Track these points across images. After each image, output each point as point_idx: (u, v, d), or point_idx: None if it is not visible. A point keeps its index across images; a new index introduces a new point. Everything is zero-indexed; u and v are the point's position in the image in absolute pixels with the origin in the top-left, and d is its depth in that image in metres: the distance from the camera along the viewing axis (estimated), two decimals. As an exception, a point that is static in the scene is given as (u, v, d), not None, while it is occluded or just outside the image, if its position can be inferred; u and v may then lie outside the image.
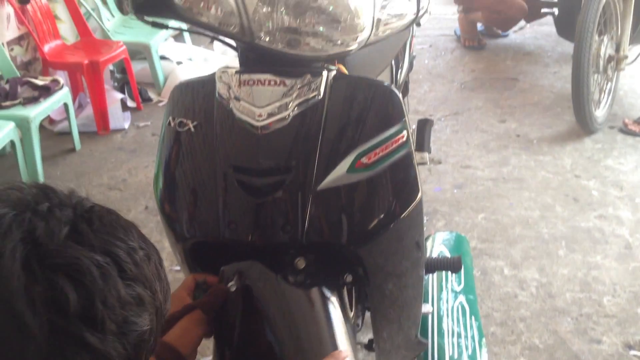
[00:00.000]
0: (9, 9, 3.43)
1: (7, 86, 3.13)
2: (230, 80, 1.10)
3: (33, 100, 3.09)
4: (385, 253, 1.20)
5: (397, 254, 1.23)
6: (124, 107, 3.77)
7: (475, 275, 2.31)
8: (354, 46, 1.12)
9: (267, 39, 1.06)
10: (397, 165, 1.15)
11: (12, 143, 2.92)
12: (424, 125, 2.30)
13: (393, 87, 1.17)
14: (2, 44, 3.41)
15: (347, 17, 1.08)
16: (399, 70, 1.90)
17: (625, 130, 3.23)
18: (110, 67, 3.93)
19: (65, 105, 3.28)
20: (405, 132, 1.16)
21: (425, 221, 2.58)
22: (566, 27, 3.62)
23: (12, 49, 3.51)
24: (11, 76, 3.23)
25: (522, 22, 4.55)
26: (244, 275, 1.11)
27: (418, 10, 1.24)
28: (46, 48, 3.55)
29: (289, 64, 1.11)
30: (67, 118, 3.35)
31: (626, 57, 3.27)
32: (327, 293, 1.13)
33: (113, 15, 4.12)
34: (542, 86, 3.85)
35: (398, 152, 1.15)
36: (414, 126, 2.33)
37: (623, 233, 2.50)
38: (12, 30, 3.50)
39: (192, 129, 1.13)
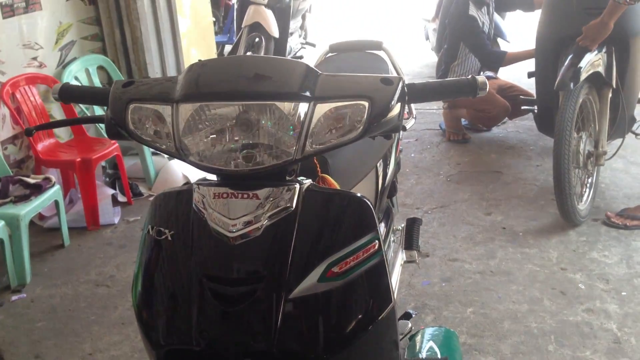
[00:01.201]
0: (4, 110, 3.53)
1: (-2, 184, 3.17)
2: (206, 192, 1.15)
3: (24, 198, 3.13)
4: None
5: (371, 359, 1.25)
6: (115, 202, 3.82)
7: (465, 373, 2.28)
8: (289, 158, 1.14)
9: (196, 158, 1.12)
10: (369, 274, 1.18)
11: (1, 241, 2.93)
12: (413, 224, 2.35)
13: (365, 199, 1.21)
14: (-4, 143, 3.49)
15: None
16: (385, 172, 1.96)
17: (609, 223, 3.28)
18: (103, 163, 4.00)
19: (56, 202, 3.31)
20: (376, 242, 1.20)
21: (413, 315, 2.60)
22: (546, 124, 3.75)
23: (5, 148, 3.58)
24: (4, 175, 3.28)
25: (505, 118, 4.70)
26: None
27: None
28: (40, 146, 3.63)
29: (263, 178, 1.16)
30: (58, 214, 3.37)
31: (605, 152, 3.37)
32: None
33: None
34: (525, 179, 3.93)
35: (370, 261, 1.18)
36: (403, 224, 2.38)
37: (611, 327, 2.49)
38: (7, 130, 3.59)
39: (170, 238, 1.17)
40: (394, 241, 2.32)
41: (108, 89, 1.24)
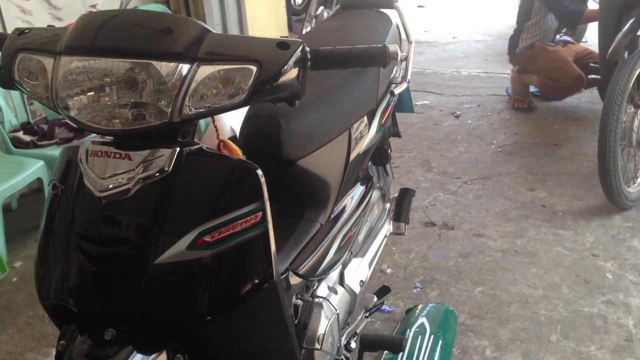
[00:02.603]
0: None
1: (45, 127, 3.34)
2: (87, 149, 1.13)
3: (68, 140, 3.27)
4: (231, 338, 1.18)
5: (247, 340, 1.21)
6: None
7: (453, 354, 2.19)
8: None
9: (75, 115, 1.09)
10: (247, 246, 1.14)
11: (40, 180, 3.10)
12: (404, 195, 2.25)
13: (255, 167, 1.16)
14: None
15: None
16: (361, 136, 1.86)
17: (661, 209, 3.00)
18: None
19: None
20: (260, 213, 1.15)
21: (418, 289, 2.51)
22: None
23: (32, 104, 3.75)
24: (53, 118, 3.44)
25: (579, 90, 4.36)
26: (71, 340, 1.12)
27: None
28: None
29: (152, 140, 1.12)
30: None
31: (665, 131, 3.06)
32: None
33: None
34: (584, 155, 3.65)
35: (248, 232, 1.13)
36: (396, 194, 2.29)
37: (627, 323, 2.30)
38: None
39: (60, 193, 1.17)
40: (386, 210, 2.24)
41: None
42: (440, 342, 2.20)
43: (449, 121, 4.28)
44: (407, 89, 2.45)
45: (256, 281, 1.16)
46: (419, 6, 8.37)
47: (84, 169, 1.12)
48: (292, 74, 1.15)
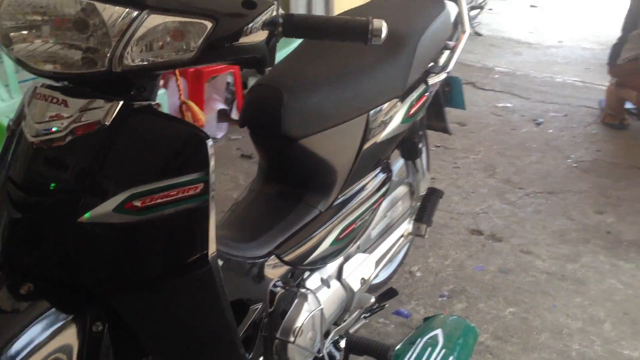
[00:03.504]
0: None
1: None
2: (33, 91, 1.06)
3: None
4: (154, 318, 1.08)
5: (174, 323, 1.11)
6: (226, 118, 3.90)
7: (463, 374, 2.01)
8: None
9: (17, 53, 1.01)
10: (179, 219, 1.03)
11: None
12: (430, 196, 2.07)
13: (205, 135, 1.05)
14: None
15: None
16: (382, 123, 1.71)
17: None
18: (229, 79, 4.09)
19: (157, 106, 3.45)
20: (202, 185, 1.04)
21: (445, 299, 2.33)
22: None
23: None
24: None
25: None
26: None
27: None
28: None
29: (97, 89, 1.04)
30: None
31: None
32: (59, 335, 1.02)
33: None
34: (670, 185, 3.29)
35: (184, 203, 1.03)
36: (423, 193, 2.11)
37: (669, 376, 2.02)
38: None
39: (8, 133, 1.11)
40: (411, 210, 2.07)
41: None
42: (450, 358, 2.02)
43: (527, 127, 3.99)
44: (459, 83, 2.27)
45: (187, 260, 1.06)
46: (532, 6, 7.93)
47: (25, 112, 1.06)
48: (259, 36, 1.05)
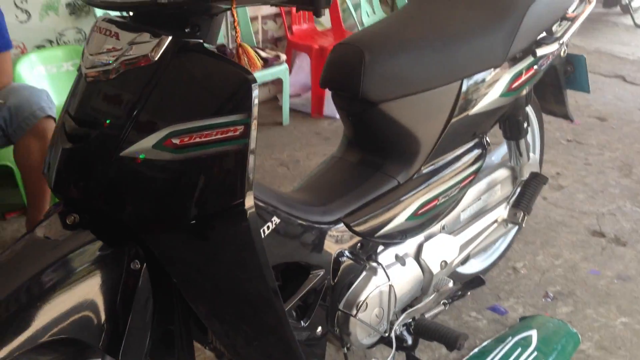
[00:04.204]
0: (271, -13, 3.76)
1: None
2: (94, 25, 1.08)
3: (250, 68, 3.36)
4: (191, 265, 1.06)
5: (209, 273, 1.07)
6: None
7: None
8: None
9: None
10: (217, 160, 1.00)
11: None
12: (532, 180, 1.89)
13: (252, 79, 1.02)
14: (258, 17, 3.78)
15: None
16: (477, 98, 1.58)
17: None
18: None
19: (280, 81, 3.49)
20: (243, 127, 1.00)
21: (549, 300, 2.13)
22: None
23: (265, 23, 3.86)
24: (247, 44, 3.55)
25: None
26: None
27: None
28: (294, 28, 3.82)
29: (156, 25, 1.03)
30: (281, 92, 3.56)
31: None
32: (97, 268, 1.02)
33: (374, 12, 4.22)
34: None
35: (223, 144, 1.00)
36: (524, 177, 1.93)
37: None
38: (271, 7, 3.84)
39: (78, 74, 1.14)
40: (508, 200, 1.89)
41: None
42: (542, 362, 1.84)
43: (679, 128, 3.57)
44: (583, 62, 2.05)
45: (222, 205, 1.02)
46: None
47: (85, 45, 1.08)
48: None
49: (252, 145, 1.02)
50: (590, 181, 2.98)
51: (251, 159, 1.02)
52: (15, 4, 2.94)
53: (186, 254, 1.06)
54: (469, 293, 1.78)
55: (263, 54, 3.45)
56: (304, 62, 3.95)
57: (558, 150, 3.29)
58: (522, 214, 1.82)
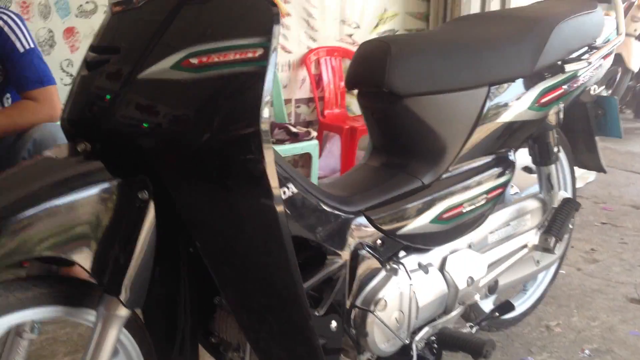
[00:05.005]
0: (305, 73, 3.92)
1: (268, 127, 3.56)
2: None
3: (281, 142, 3.43)
4: (203, 205, 1.04)
5: (222, 216, 1.06)
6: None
7: None
8: None
9: None
10: (233, 80, 1.01)
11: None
12: (564, 206, 1.83)
13: (273, 4, 1.04)
14: (291, 100, 3.92)
15: None
16: (505, 106, 1.58)
17: None
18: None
19: (309, 164, 3.55)
20: (261, 50, 1.03)
21: (585, 356, 1.99)
22: None
23: (298, 107, 3.98)
24: (279, 122, 3.65)
25: None
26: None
27: None
28: (326, 113, 3.93)
29: None
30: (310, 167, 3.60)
31: None
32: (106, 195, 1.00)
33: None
34: None
35: (241, 65, 1.01)
36: (555, 205, 1.87)
37: None
38: (304, 91, 3.98)
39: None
40: (539, 227, 1.82)
41: None
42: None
43: None
44: (615, 104, 2.04)
45: (237, 128, 1.01)
46: None
47: None
48: None
49: (270, 73, 1.02)
50: (626, 257, 2.86)
51: (268, 79, 1.02)
52: (61, 68, 3.11)
53: (199, 185, 1.03)
54: (497, 315, 1.66)
55: (294, 129, 3.53)
56: (334, 147, 4.01)
57: (592, 231, 3.20)
58: (553, 239, 1.74)
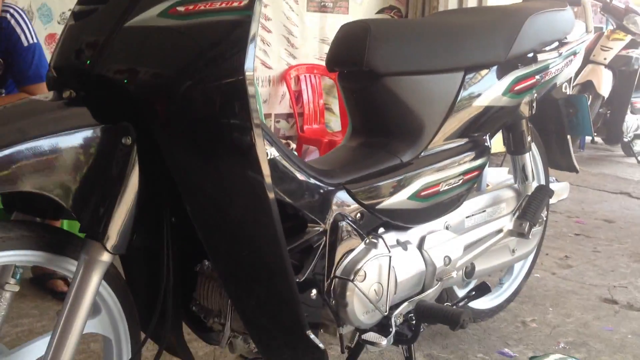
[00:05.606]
0: (285, 89, 3.98)
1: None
2: None
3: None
4: (184, 136, 1.05)
5: (202, 146, 1.07)
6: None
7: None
8: None
9: None
10: (218, 28, 1.05)
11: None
12: (538, 193, 1.87)
13: None
14: (271, 114, 3.96)
15: None
16: (480, 91, 1.63)
17: None
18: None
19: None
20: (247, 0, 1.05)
21: (560, 347, 2.01)
22: None
23: (278, 121, 4.02)
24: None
25: None
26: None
27: None
28: (305, 128, 3.98)
29: None
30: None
31: None
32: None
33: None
34: None
35: (227, 14, 1.05)
36: (528, 193, 1.92)
37: None
38: (284, 107, 4.03)
39: None
40: (514, 213, 1.87)
41: None
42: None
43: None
44: (585, 102, 2.11)
45: (223, 73, 1.04)
46: None
47: None
48: None
49: (255, 23, 1.05)
50: (600, 263, 2.91)
51: (253, 29, 1.05)
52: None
53: (185, 134, 1.05)
54: (473, 295, 1.68)
55: (274, 141, 3.55)
56: (312, 157, 4.06)
57: (566, 241, 3.25)
58: (527, 224, 1.78)
